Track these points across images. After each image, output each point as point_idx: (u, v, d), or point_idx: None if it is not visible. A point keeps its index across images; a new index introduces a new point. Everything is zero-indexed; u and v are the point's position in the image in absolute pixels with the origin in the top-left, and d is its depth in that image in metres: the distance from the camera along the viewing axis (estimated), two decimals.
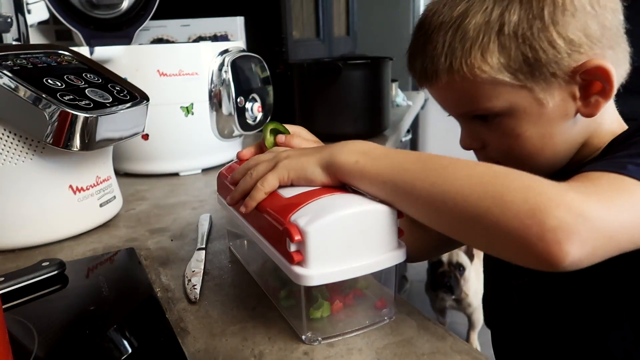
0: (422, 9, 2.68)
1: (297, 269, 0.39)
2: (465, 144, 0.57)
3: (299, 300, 0.42)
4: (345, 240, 0.40)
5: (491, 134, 0.53)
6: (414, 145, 2.63)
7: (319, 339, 0.43)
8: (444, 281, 1.76)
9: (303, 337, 0.43)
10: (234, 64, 0.98)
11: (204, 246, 0.63)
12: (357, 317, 0.45)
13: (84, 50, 0.86)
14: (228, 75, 0.97)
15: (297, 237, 0.39)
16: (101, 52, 0.91)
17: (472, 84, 0.49)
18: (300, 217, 0.40)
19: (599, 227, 0.35)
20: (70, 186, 0.67)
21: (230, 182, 0.52)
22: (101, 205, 0.72)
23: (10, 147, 0.62)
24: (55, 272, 0.56)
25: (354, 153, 0.44)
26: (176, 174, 1.01)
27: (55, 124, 0.59)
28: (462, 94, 0.51)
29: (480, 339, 1.86)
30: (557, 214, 0.34)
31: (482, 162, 0.44)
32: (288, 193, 0.45)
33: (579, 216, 0.34)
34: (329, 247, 0.40)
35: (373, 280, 0.48)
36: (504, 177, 0.38)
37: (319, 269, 0.39)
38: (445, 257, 1.78)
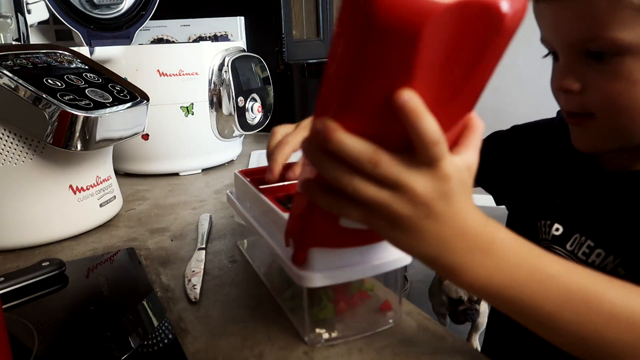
0: None
1: (300, 270, 0.39)
2: (562, 85, 0.48)
3: (303, 301, 0.42)
4: None
5: (599, 77, 0.45)
6: None
7: (322, 340, 0.43)
8: (467, 318, 1.72)
9: (306, 338, 0.43)
10: (234, 64, 0.98)
11: (204, 246, 0.63)
12: (361, 319, 0.45)
13: (84, 50, 0.86)
14: (228, 75, 0.97)
15: (302, 254, 0.39)
16: (101, 52, 0.91)
17: (614, 4, 0.42)
18: None
19: None
20: (70, 186, 0.67)
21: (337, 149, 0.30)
22: (101, 205, 0.72)
23: (10, 147, 0.62)
24: (55, 272, 0.56)
25: (490, 268, 0.33)
26: (176, 174, 1.01)
27: (55, 123, 0.59)
28: (594, 14, 0.43)
29: (480, 338, 1.86)
30: None
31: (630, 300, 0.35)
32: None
33: None
34: (331, 249, 0.39)
35: (378, 282, 0.48)
36: None
37: (321, 270, 0.39)
38: (465, 294, 1.72)
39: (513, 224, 0.65)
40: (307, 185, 0.33)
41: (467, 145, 0.32)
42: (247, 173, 0.55)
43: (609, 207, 0.53)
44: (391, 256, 0.42)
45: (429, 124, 0.28)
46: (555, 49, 0.49)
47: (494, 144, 0.69)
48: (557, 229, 0.56)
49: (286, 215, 0.41)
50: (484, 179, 0.66)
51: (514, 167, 0.66)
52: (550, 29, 0.48)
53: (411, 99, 0.27)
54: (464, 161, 0.31)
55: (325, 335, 0.43)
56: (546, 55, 0.51)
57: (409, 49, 0.25)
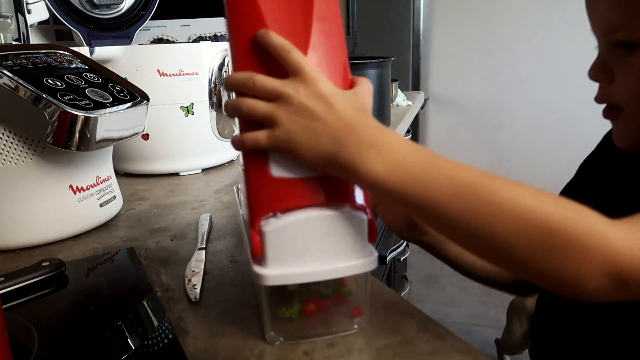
0: (422, 8, 2.69)
1: (256, 268, 0.40)
2: (593, 74, 0.50)
3: (262, 298, 0.42)
4: (306, 243, 0.40)
5: (626, 68, 0.46)
6: None
7: (281, 339, 0.43)
8: None
9: (265, 336, 0.43)
10: None
11: (204, 246, 0.63)
12: (327, 322, 0.44)
13: (84, 50, 0.86)
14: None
15: (256, 237, 0.39)
16: (101, 52, 0.91)
17: None
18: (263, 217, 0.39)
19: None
20: (70, 186, 0.67)
21: (230, 83, 0.41)
22: (101, 205, 0.72)
23: (10, 147, 0.62)
24: (55, 272, 0.56)
25: (387, 163, 0.37)
26: (176, 174, 1.01)
27: (55, 123, 0.59)
28: (624, 3, 0.44)
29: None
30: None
31: (530, 195, 0.37)
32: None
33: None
34: (287, 249, 0.39)
35: (359, 288, 0.46)
36: (555, 229, 0.35)
37: (276, 269, 0.39)
38: None
39: None
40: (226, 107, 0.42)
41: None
42: None
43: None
44: (352, 261, 0.41)
45: (278, 39, 0.38)
46: (596, 39, 0.50)
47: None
48: None
49: None
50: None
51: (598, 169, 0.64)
52: (590, 18, 0.49)
53: (264, 31, 0.38)
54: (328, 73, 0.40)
55: (286, 335, 0.43)
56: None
57: (254, 8, 0.39)
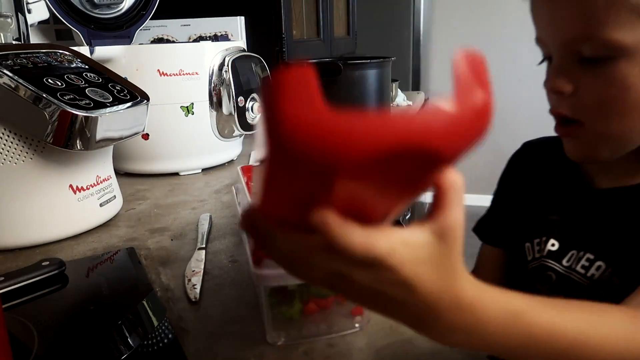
0: (422, 9, 2.69)
1: (256, 269, 0.39)
2: (555, 85, 0.46)
3: (263, 299, 0.42)
4: None
5: (592, 79, 0.44)
6: None
7: (283, 339, 0.43)
8: None
9: (267, 336, 0.43)
10: (234, 64, 0.98)
11: (204, 246, 0.63)
12: (329, 322, 0.45)
13: (84, 49, 0.86)
14: (228, 75, 0.97)
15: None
16: (101, 52, 0.91)
17: (610, 3, 0.40)
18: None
19: None
20: (70, 186, 0.67)
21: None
22: (101, 205, 0.72)
23: (10, 147, 0.62)
24: (55, 272, 0.56)
25: (475, 345, 0.33)
26: (176, 174, 1.01)
27: (56, 123, 0.59)
28: (589, 13, 0.41)
29: None
30: None
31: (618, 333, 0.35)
32: None
33: None
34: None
35: None
36: None
37: (276, 270, 0.39)
38: None
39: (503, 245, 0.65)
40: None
41: (438, 213, 0.27)
42: (250, 170, 0.55)
43: (605, 223, 0.52)
44: None
45: (349, 241, 0.25)
46: (550, 48, 0.47)
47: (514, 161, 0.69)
48: (552, 244, 0.56)
49: None
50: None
51: (515, 185, 0.66)
52: (545, 26, 0.47)
53: (325, 219, 0.25)
54: (422, 236, 0.27)
55: (287, 335, 0.43)
56: (541, 62, 0.50)
57: (323, 180, 0.22)
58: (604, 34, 0.41)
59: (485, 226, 0.69)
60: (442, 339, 0.31)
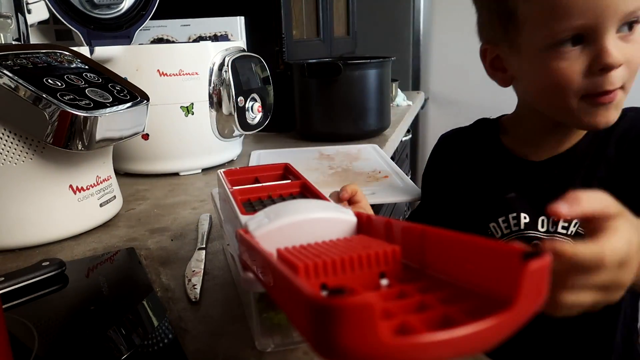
0: (422, 9, 2.69)
1: (245, 274, 0.38)
2: (617, 60, 0.51)
3: (251, 305, 0.41)
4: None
5: (632, 46, 0.52)
6: (414, 145, 2.63)
7: (272, 345, 0.42)
8: None
9: (256, 343, 0.42)
10: (234, 64, 0.98)
11: (204, 246, 0.63)
12: None
13: (84, 50, 0.86)
14: (228, 75, 0.97)
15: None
16: (101, 52, 0.91)
17: None
18: (252, 221, 0.38)
19: None
20: (70, 186, 0.67)
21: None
22: (101, 205, 0.72)
23: (10, 147, 0.62)
24: (55, 272, 0.56)
25: None
26: (176, 174, 1.01)
27: (56, 123, 0.59)
28: None
29: None
30: None
31: None
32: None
33: None
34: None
35: None
36: None
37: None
38: None
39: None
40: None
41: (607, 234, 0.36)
42: (232, 173, 0.53)
43: (554, 186, 0.60)
44: None
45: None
46: (597, 28, 0.50)
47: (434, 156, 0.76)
48: (525, 217, 0.61)
49: (243, 217, 0.39)
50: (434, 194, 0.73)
51: (451, 175, 0.71)
52: (601, 6, 0.49)
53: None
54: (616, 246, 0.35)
55: (277, 341, 0.42)
56: (557, 43, 0.52)
57: None
58: None
59: (418, 217, 0.75)
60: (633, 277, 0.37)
